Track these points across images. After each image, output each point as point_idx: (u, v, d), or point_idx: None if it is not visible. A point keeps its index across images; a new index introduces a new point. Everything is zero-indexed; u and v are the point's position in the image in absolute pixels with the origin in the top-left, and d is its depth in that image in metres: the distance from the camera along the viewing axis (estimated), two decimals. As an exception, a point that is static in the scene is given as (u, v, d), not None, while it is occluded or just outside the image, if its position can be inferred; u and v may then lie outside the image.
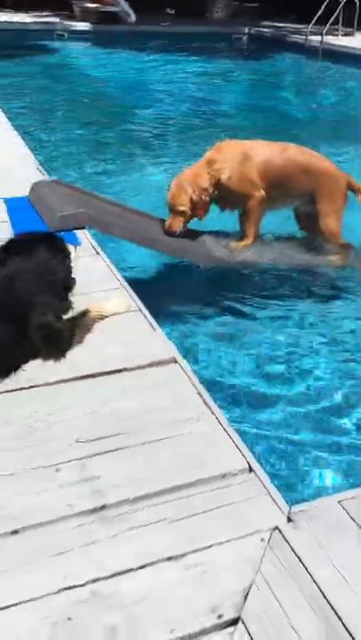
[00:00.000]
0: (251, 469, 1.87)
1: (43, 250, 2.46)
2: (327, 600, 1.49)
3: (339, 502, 1.76)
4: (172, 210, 3.81)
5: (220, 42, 14.28)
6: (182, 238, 3.85)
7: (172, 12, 17.47)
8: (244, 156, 3.80)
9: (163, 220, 3.88)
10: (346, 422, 2.76)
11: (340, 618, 1.46)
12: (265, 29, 15.29)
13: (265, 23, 15.81)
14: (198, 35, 14.26)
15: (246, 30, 15.22)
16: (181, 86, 10.20)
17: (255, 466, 1.87)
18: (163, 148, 6.83)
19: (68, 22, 14.44)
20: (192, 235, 3.93)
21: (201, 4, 16.86)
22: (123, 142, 6.93)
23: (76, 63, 11.95)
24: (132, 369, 2.31)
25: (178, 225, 3.81)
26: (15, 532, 1.64)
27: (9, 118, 6.08)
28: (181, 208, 3.77)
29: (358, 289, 3.87)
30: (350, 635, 1.42)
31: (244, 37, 15.11)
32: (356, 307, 3.72)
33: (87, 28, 14.33)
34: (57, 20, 14.70)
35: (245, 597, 1.51)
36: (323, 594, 1.51)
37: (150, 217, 3.96)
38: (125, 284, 2.94)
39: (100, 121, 7.78)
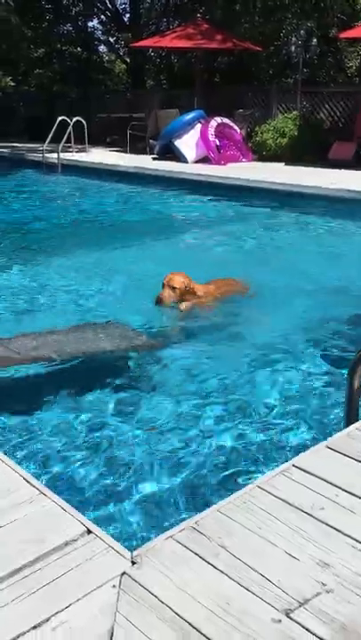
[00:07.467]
0: (89, 531, 2.07)
1: None
2: (180, 616, 1.75)
3: (171, 537, 2.04)
4: None
5: None
6: None
7: None
8: None
9: None
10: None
11: (193, 627, 1.72)
12: (3, 150, 16.14)
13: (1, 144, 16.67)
14: None
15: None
16: None
17: (93, 527, 2.08)
18: None
19: None
20: None
21: None
22: None
23: None
24: None
25: None
26: None
27: None
28: None
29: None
30: (207, 637, 1.68)
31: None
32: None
33: None
34: None
35: (111, 636, 1.70)
36: (175, 612, 1.76)
37: None
38: None
39: None
